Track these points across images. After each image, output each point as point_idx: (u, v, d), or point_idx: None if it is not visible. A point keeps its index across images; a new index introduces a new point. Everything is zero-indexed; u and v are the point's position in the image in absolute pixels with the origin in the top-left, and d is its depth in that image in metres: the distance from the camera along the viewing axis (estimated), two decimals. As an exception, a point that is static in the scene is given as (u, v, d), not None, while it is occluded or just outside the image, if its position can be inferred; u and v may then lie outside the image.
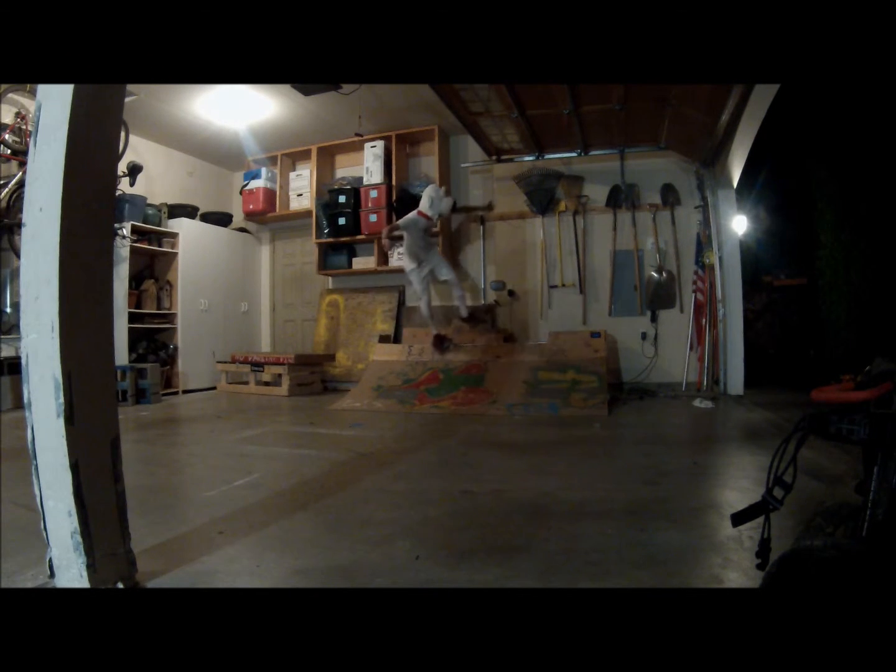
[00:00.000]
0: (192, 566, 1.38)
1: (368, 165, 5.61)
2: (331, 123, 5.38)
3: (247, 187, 6.08)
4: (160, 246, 5.38)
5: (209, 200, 6.27)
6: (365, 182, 5.63)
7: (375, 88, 4.63)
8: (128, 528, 1.26)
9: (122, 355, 4.72)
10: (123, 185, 4.83)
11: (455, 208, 4.40)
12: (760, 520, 1.01)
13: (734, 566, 1.32)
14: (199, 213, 5.94)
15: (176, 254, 5.47)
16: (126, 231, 4.85)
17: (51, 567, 1.19)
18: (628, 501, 1.86)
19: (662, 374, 5.08)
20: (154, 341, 5.38)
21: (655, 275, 5.16)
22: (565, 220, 5.37)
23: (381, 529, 1.64)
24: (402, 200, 5.39)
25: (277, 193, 6.12)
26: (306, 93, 4.71)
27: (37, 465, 1.16)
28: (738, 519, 1.03)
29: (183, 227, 5.53)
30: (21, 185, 3.88)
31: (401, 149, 5.72)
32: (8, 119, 4.10)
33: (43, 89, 1.17)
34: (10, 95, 4.05)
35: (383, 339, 5.51)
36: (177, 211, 5.60)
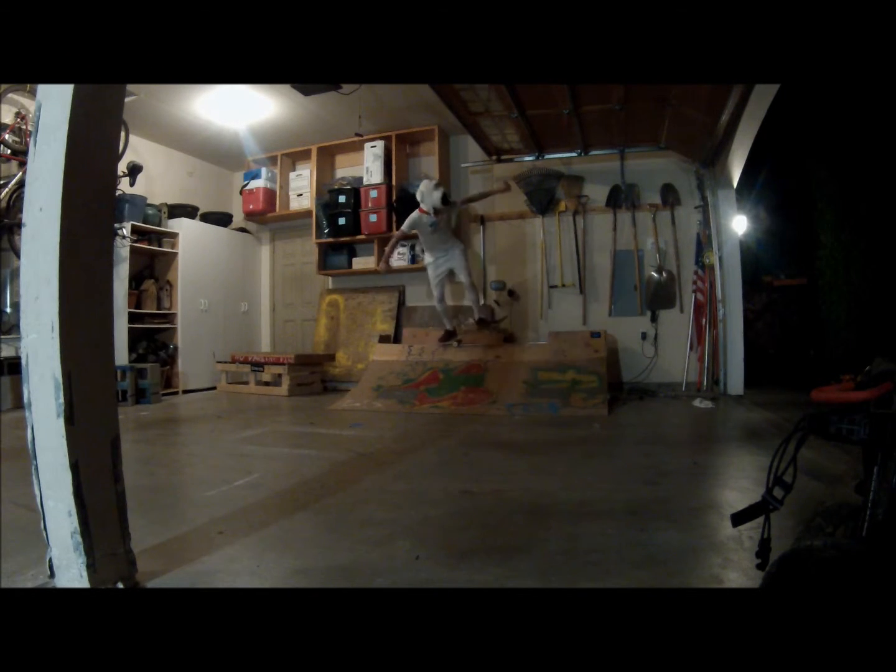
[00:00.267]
0: (192, 566, 1.38)
1: (368, 165, 5.61)
2: (331, 123, 5.38)
3: (247, 187, 6.07)
4: (160, 246, 5.38)
5: (209, 200, 6.26)
6: (365, 182, 5.63)
7: (375, 88, 4.63)
8: (128, 528, 1.26)
9: (122, 355, 4.72)
10: (123, 185, 4.83)
11: (446, 200, 4.32)
12: (760, 520, 1.01)
13: (734, 566, 1.31)
14: (199, 213, 5.94)
15: (176, 254, 5.47)
16: (126, 231, 4.85)
17: (51, 567, 1.19)
18: (628, 501, 1.86)
19: (662, 374, 5.08)
20: (154, 341, 5.37)
21: (655, 275, 5.16)
22: (565, 220, 5.37)
23: (381, 529, 1.64)
24: (402, 200, 5.39)
25: (277, 193, 6.12)
26: (306, 93, 4.70)
27: (37, 465, 1.16)
28: (738, 519, 1.03)
29: (183, 227, 5.52)
30: (21, 185, 3.88)
31: (401, 149, 5.72)
32: (8, 119, 4.10)
33: (43, 89, 1.17)
34: (10, 95, 4.05)
35: (383, 339, 5.51)
36: (177, 211, 5.59)
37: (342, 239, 5.79)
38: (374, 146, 5.58)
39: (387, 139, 5.60)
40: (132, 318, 5.00)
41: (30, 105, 4.08)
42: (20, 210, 3.11)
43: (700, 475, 2.25)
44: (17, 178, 4.01)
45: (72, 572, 1.16)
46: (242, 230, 6.46)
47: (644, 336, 5.16)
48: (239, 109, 5.00)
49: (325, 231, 5.82)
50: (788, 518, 1.40)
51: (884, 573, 0.77)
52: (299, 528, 1.67)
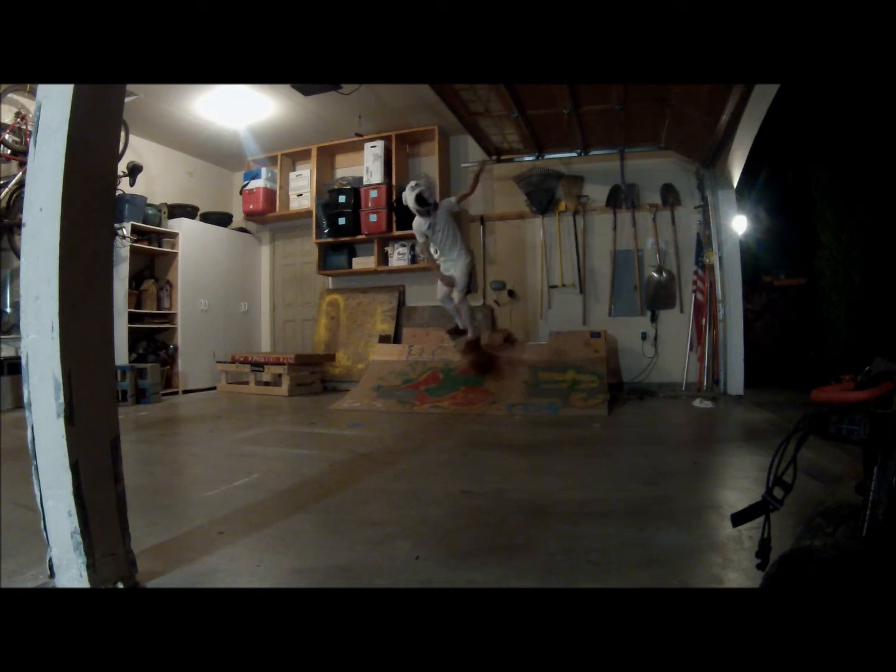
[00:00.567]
0: (192, 566, 1.38)
1: (368, 165, 5.61)
2: (331, 123, 5.38)
3: (247, 187, 6.08)
4: (160, 246, 5.38)
5: (209, 200, 6.26)
6: (365, 182, 5.63)
7: (375, 88, 4.63)
8: (128, 528, 1.26)
9: (122, 355, 4.72)
10: (123, 185, 4.83)
11: (422, 201, 4.20)
12: (760, 520, 1.01)
13: (734, 566, 1.32)
14: (199, 213, 5.94)
15: (176, 254, 5.47)
16: (126, 231, 4.85)
17: (51, 567, 1.19)
18: (628, 501, 1.86)
19: (662, 374, 5.08)
20: (154, 341, 5.37)
21: (655, 275, 5.16)
22: (565, 220, 5.37)
23: (381, 529, 1.64)
24: (401, 201, 5.39)
25: (277, 193, 6.12)
26: (306, 93, 4.71)
27: (37, 465, 1.16)
28: (738, 519, 1.03)
29: (183, 227, 5.53)
30: (21, 185, 3.88)
31: (401, 149, 5.72)
32: (8, 119, 4.10)
33: (43, 89, 1.17)
34: (10, 95, 4.05)
35: (383, 339, 5.51)
36: (177, 211, 5.59)
37: (342, 239, 5.79)
38: (374, 146, 5.58)
39: (387, 139, 5.60)
40: (132, 318, 5.00)
41: (30, 105, 4.08)
42: (20, 210, 3.11)
43: (700, 475, 2.25)
44: (17, 178, 4.01)
45: (72, 572, 1.16)
46: (242, 230, 6.46)
47: (644, 336, 5.16)
48: (239, 109, 5.00)
49: (325, 231, 5.82)
50: (788, 518, 1.40)
51: (884, 573, 0.77)
52: (299, 528, 1.67)
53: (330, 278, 6.29)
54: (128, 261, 4.91)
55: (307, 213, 5.98)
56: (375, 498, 1.99)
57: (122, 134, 4.15)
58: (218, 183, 6.54)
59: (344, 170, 6.14)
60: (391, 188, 5.57)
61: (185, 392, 5.42)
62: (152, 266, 5.59)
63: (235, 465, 2.56)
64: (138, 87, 4.36)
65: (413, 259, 5.64)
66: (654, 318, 5.16)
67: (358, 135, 5.14)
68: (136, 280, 5.26)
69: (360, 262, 5.92)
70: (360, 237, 5.72)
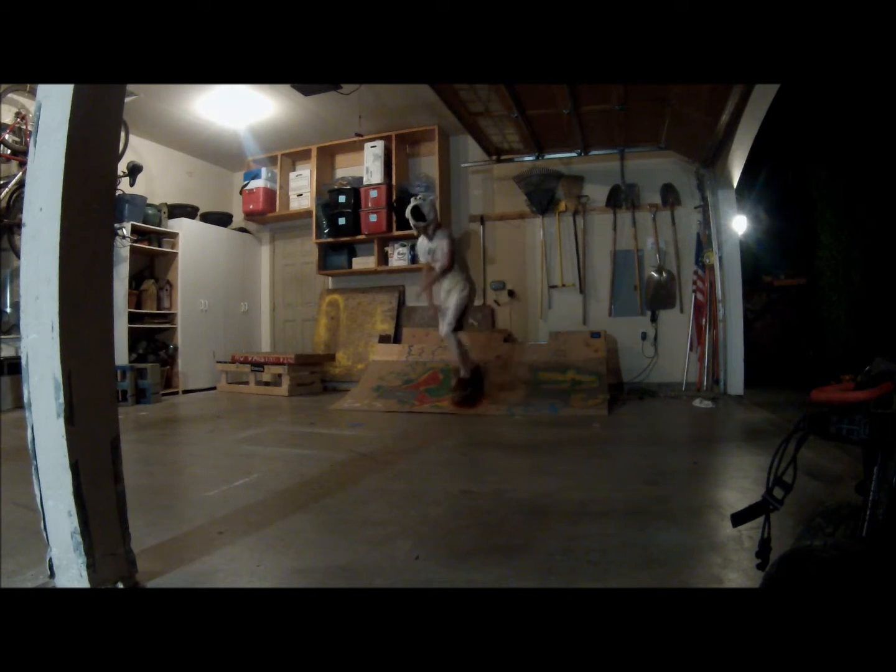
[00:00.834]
0: (192, 566, 1.38)
1: (368, 165, 5.61)
2: (331, 123, 5.38)
3: (247, 187, 6.07)
4: (160, 246, 5.37)
5: (209, 200, 6.26)
6: (365, 182, 5.63)
7: (375, 88, 4.63)
8: (128, 528, 1.26)
9: (122, 355, 4.72)
10: (123, 185, 4.83)
11: (418, 215, 3.96)
12: (760, 520, 1.01)
13: (734, 566, 1.31)
14: (199, 213, 5.94)
15: (176, 254, 5.47)
16: (126, 231, 4.85)
17: (51, 567, 1.19)
18: (628, 501, 1.86)
19: (662, 374, 5.07)
20: (154, 341, 5.37)
21: (655, 275, 5.16)
22: (565, 220, 5.37)
23: (381, 529, 1.64)
24: (402, 201, 5.39)
25: (277, 193, 6.11)
26: (306, 93, 4.70)
27: (37, 465, 1.16)
28: (738, 519, 1.03)
29: (183, 227, 5.52)
30: (21, 185, 3.88)
31: (401, 149, 5.72)
32: (8, 119, 4.09)
33: (43, 89, 1.17)
34: (10, 95, 4.05)
35: (383, 339, 5.51)
36: (177, 211, 5.59)
37: (342, 239, 5.79)
38: (374, 146, 5.58)
39: (387, 139, 5.59)
40: (132, 318, 4.99)
41: (30, 105, 4.08)
42: (20, 210, 3.10)
43: (700, 475, 2.25)
44: (17, 178, 4.01)
45: (72, 572, 1.16)
46: (242, 230, 6.45)
47: (644, 336, 5.16)
48: (239, 109, 5.00)
49: (325, 231, 5.82)
50: (788, 518, 1.40)
51: (884, 573, 0.77)
52: (299, 528, 1.67)
53: (330, 278, 6.29)
54: (128, 261, 4.91)
55: (307, 213, 5.98)
56: (375, 498, 1.99)
57: (122, 134, 4.15)
58: (218, 183, 6.54)
59: (344, 170, 6.14)
60: (391, 188, 5.57)
61: (185, 392, 5.42)
62: (152, 266, 5.59)
63: (235, 465, 2.56)
64: (138, 87, 4.36)
65: (413, 259, 5.64)
66: (654, 318, 5.16)
67: (358, 135, 5.13)
68: (136, 280, 5.25)
69: (360, 262, 5.92)
70: (360, 237, 5.72)
